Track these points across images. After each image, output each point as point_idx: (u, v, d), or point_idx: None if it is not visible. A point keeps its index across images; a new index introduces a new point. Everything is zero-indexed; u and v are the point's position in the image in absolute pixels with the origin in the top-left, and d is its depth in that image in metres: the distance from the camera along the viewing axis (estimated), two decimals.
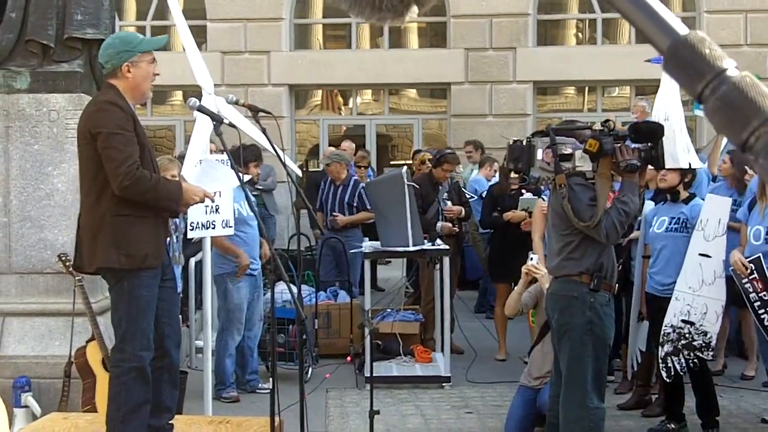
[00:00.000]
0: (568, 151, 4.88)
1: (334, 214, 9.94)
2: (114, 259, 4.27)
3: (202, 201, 4.66)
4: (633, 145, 4.85)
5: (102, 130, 4.26)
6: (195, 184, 5.01)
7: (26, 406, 5.80)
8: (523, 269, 6.17)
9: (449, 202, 8.83)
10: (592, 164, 4.85)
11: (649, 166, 5.10)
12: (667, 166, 5.60)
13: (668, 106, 6.01)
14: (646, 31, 1.17)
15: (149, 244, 4.32)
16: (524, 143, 5.09)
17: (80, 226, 4.46)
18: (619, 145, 4.79)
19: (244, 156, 6.86)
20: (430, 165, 9.17)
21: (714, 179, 8.21)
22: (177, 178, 6.18)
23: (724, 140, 8.81)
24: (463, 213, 8.85)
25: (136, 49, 4.42)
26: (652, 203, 6.64)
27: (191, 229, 6.04)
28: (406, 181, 7.65)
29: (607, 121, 4.99)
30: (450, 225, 8.63)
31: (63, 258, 5.76)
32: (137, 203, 4.29)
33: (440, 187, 8.77)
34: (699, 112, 9.51)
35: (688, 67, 1.12)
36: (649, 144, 4.88)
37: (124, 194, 4.21)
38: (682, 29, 1.14)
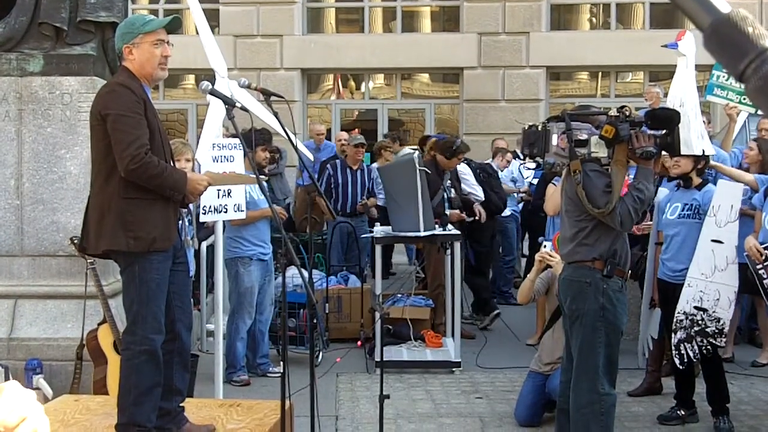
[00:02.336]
0: (584, 136, 4.84)
1: (362, 198, 10.02)
2: (122, 241, 4.25)
3: (206, 187, 4.62)
4: (649, 132, 4.82)
5: (111, 111, 4.23)
6: (207, 169, 4.99)
7: (38, 389, 5.83)
8: (537, 256, 6.16)
9: (453, 190, 8.82)
10: (607, 150, 4.82)
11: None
12: (681, 153, 5.56)
13: (683, 91, 5.97)
14: (687, 9, 1.14)
15: (158, 227, 4.30)
16: (539, 128, 5.06)
17: (88, 208, 4.44)
18: (634, 131, 4.76)
19: (255, 139, 6.86)
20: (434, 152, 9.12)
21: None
22: (191, 162, 6.19)
23: (737, 127, 8.76)
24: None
25: (137, 30, 4.38)
26: (667, 190, 6.61)
27: (203, 213, 6.05)
28: (418, 166, 7.62)
29: (624, 106, 4.94)
30: (458, 212, 8.62)
31: (75, 241, 5.77)
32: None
33: (445, 175, 8.74)
34: (711, 98, 9.43)
35: (730, 46, 1.09)
36: (665, 131, 4.85)
37: (130, 177, 4.19)
38: (724, 7, 1.11)
